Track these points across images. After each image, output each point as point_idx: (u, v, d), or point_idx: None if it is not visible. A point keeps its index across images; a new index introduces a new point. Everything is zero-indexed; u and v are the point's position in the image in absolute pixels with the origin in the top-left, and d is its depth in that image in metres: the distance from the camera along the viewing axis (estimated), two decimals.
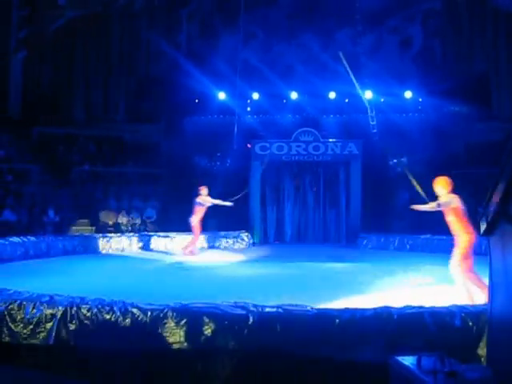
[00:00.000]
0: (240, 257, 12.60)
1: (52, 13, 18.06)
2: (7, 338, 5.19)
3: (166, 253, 13.31)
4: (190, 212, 16.02)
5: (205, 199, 12.57)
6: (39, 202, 14.97)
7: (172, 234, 14.26)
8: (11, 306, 5.29)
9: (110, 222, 15.62)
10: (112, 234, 13.84)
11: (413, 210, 8.28)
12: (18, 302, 5.33)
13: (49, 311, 5.18)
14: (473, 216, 13.78)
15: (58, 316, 5.13)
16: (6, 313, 5.25)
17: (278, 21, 16.97)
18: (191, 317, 4.97)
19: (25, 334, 5.15)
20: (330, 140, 16.11)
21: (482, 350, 4.55)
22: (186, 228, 14.85)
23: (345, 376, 4.68)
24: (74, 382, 4.96)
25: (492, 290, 3.21)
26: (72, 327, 5.10)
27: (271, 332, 4.83)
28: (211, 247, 14.62)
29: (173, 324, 4.96)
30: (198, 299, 5.35)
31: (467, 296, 6.46)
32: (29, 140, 17.77)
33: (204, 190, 12.60)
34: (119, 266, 10.78)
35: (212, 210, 16.76)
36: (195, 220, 12.54)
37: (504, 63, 16.52)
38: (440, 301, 5.93)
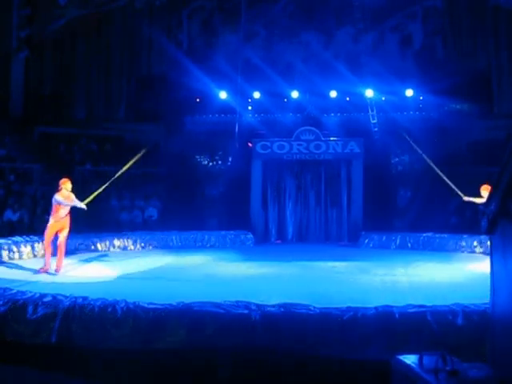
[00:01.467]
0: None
1: (53, 12, 18.06)
2: (10, 338, 5.22)
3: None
4: (191, 211, 16.11)
5: (65, 196, 9.42)
6: (41, 202, 14.98)
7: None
8: (14, 306, 5.34)
9: None
10: None
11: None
12: (21, 301, 5.38)
13: (51, 311, 5.20)
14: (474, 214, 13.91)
15: (61, 316, 5.13)
16: (8, 312, 5.30)
17: (279, 19, 16.98)
18: (193, 316, 4.97)
19: (27, 333, 5.18)
20: (332, 139, 16.12)
21: (483, 349, 4.54)
22: (185, 227, 14.87)
23: (347, 374, 4.70)
24: (76, 382, 4.98)
25: (493, 288, 3.19)
26: (74, 327, 5.11)
27: (273, 331, 4.86)
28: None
29: (175, 323, 4.96)
30: (199, 298, 5.35)
31: None
32: (30, 139, 17.78)
33: (66, 184, 9.50)
34: None
35: (212, 209, 16.84)
36: (51, 222, 9.35)
37: (505, 61, 16.47)
38: (441, 299, 5.94)
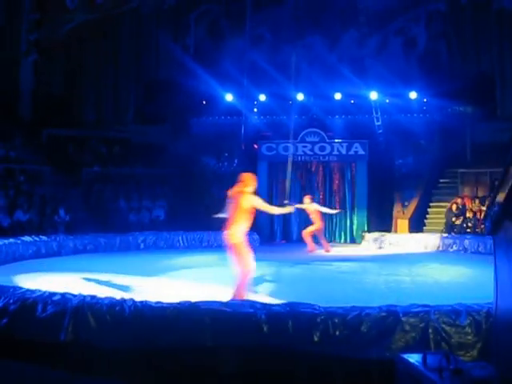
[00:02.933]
0: None
1: (62, 16, 18.27)
2: (19, 336, 5.25)
3: None
4: (197, 211, 16.23)
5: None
6: (50, 202, 15.15)
7: None
8: (23, 304, 5.36)
9: None
10: None
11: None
12: (30, 300, 5.40)
13: (60, 309, 5.22)
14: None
15: (69, 314, 5.16)
16: (18, 311, 5.33)
17: (285, 23, 17.09)
18: (200, 315, 4.99)
19: (36, 331, 5.21)
20: (336, 140, 16.26)
21: (486, 349, 4.54)
22: (192, 227, 15.02)
23: (351, 373, 4.73)
24: (84, 379, 5.00)
25: (497, 288, 3.21)
26: (83, 325, 5.14)
27: (279, 330, 4.86)
28: None
29: (182, 322, 4.98)
30: (205, 297, 5.43)
31: None
32: (40, 141, 17.98)
33: (254, 181, 6.72)
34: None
35: (218, 210, 16.94)
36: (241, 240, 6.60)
37: (508, 64, 16.53)
38: (444, 299, 6.01)
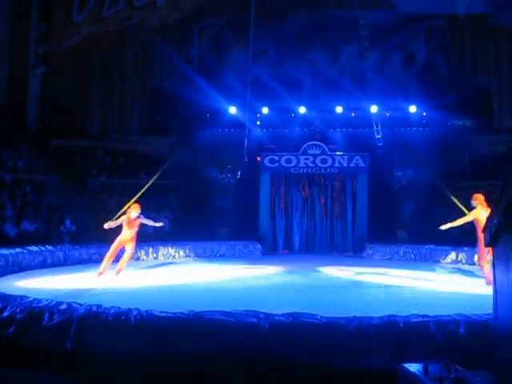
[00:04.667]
0: None
1: (69, 29, 18.60)
2: (27, 344, 5.35)
3: None
4: (201, 222, 16.45)
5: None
6: (56, 212, 15.32)
7: None
8: (30, 313, 5.47)
9: None
10: None
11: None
12: (37, 309, 5.50)
13: (66, 318, 5.32)
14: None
15: (75, 323, 5.26)
16: (25, 320, 5.43)
17: (288, 37, 17.35)
18: (204, 325, 5.09)
19: (43, 340, 5.30)
20: (337, 153, 16.49)
21: (486, 358, 4.62)
22: (196, 237, 15.24)
23: (353, 383, 4.79)
24: None
25: (496, 299, 3.26)
26: (88, 334, 5.25)
27: (281, 340, 4.94)
28: None
29: (186, 332, 5.08)
30: (209, 307, 5.55)
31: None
32: (47, 152, 18.16)
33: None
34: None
35: (222, 220, 17.18)
36: None
37: (506, 78, 16.81)
38: (443, 309, 6.16)
